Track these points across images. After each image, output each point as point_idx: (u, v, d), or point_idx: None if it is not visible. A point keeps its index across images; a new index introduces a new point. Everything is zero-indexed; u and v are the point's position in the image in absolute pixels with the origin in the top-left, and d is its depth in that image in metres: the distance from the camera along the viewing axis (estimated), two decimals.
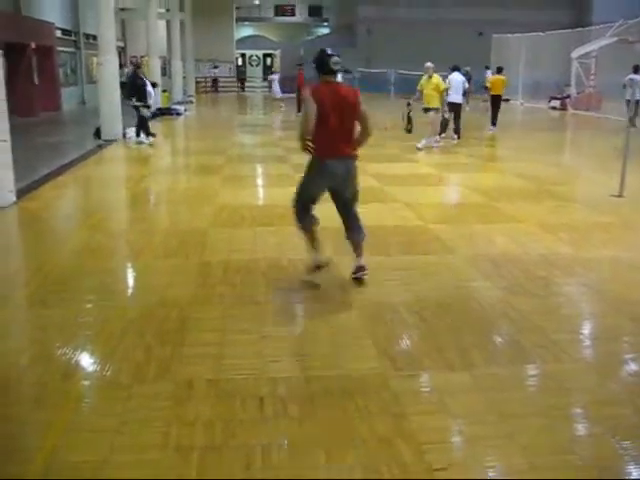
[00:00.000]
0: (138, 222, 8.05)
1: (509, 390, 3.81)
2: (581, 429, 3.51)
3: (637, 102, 17.60)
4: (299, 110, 24.19)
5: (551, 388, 3.88)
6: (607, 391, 3.84)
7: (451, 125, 15.89)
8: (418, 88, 14.47)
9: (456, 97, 15.63)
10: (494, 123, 18.83)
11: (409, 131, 16.38)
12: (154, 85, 16.46)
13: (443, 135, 15.54)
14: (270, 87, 29.97)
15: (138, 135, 15.33)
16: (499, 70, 19.44)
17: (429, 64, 14.19)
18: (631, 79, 19.18)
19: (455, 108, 15.74)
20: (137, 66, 14.86)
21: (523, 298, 5.27)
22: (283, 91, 28.02)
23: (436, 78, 14.15)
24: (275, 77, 29.27)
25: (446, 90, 14.45)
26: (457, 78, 15.82)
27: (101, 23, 15.85)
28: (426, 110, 14.43)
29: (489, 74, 26.38)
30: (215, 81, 41.69)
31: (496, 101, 18.85)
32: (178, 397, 3.64)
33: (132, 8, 32.25)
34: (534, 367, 4.14)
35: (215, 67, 41.78)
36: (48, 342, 4.43)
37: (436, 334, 4.55)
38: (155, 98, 16.50)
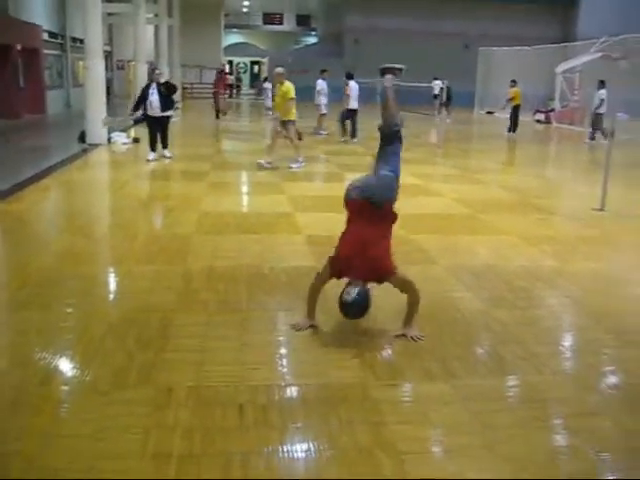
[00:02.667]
0: (121, 227, 8.01)
1: (490, 401, 3.82)
2: (561, 440, 3.52)
3: (597, 115, 20.01)
4: (217, 115, 23.87)
5: (532, 400, 3.89)
6: (586, 403, 3.86)
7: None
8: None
9: (354, 103, 17.57)
10: (515, 130, 21.63)
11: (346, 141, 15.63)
12: (172, 90, 13.56)
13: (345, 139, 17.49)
14: (260, 94, 29.96)
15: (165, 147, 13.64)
16: (514, 82, 22.33)
17: (279, 69, 12.61)
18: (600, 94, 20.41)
19: (353, 114, 17.75)
20: (151, 71, 13.65)
21: (504, 310, 5.30)
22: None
23: (286, 86, 12.36)
24: (269, 86, 29.31)
25: (293, 98, 12.37)
26: (355, 86, 17.72)
27: (88, 27, 15.77)
28: (283, 123, 12.69)
29: (437, 84, 28.12)
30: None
31: (517, 110, 21.87)
32: (158, 404, 3.62)
33: (120, 13, 32.16)
34: (515, 379, 4.16)
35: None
36: (28, 346, 4.38)
37: (418, 344, 4.55)
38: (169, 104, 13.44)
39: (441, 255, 6.84)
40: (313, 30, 55.67)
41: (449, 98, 28.06)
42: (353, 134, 17.92)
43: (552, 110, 28.24)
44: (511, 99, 22.24)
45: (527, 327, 4.96)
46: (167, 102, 13.17)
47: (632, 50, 22.21)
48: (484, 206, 9.48)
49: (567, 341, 4.97)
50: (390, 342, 4.60)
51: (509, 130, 21.79)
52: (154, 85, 13.10)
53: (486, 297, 5.58)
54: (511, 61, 30.52)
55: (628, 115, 21.10)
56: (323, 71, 19.20)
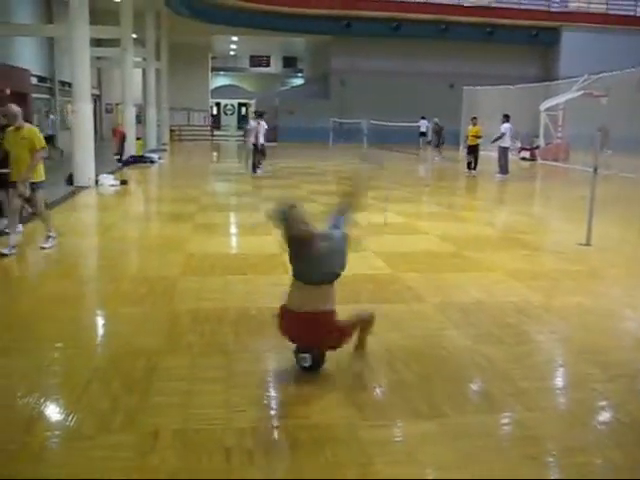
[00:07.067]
0: (107, 269, 7.98)
1: (478, 439, 3.79)
2: (551, 476, 3.49)
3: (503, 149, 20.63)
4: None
5: (520, 436, 3.88)
6: (575, 439, 3.84)
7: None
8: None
9: (252, 139, 19.81)
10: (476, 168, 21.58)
11: None
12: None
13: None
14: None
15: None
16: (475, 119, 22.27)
17: (13, 107, 8.46)
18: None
19: (262, 148, 20.18)
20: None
21: (492, 346, 5.29)
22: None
23: (29, 131, 8.51)
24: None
25: (43, 148, 8.73)
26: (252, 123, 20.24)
27: (76, 71, 15.95)
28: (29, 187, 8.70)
29: (424, 123, 29.27)
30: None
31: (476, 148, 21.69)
32: (143, 447, 3.57)
33: (108, 57, 32.52)
34: (503, 416, 4.14)
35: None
36: (11, 391, 4.33)
37: (405, 383, 4.53)
38: None
39: (428, 293, 6.84)
40: (299, 72, 56.39)
41: (440, 137, 28.79)
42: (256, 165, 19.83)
43: (537, 147, 28.59)
44: (477, 137, 21.64)
45: (515, 363, 4.95)
46: None
47: (611, 88, 22.74)
48: (469, 243, 9.53)
49: (554, 377, 4.97)
50: (377, 381, 4.58)
51: (501, 172, 20.53)
52: None
53: (473, 334, 5.57)
54: (495, 100, 30.99)
55: (611, 150, 21.36)
56: (263, 113, 21.20)
